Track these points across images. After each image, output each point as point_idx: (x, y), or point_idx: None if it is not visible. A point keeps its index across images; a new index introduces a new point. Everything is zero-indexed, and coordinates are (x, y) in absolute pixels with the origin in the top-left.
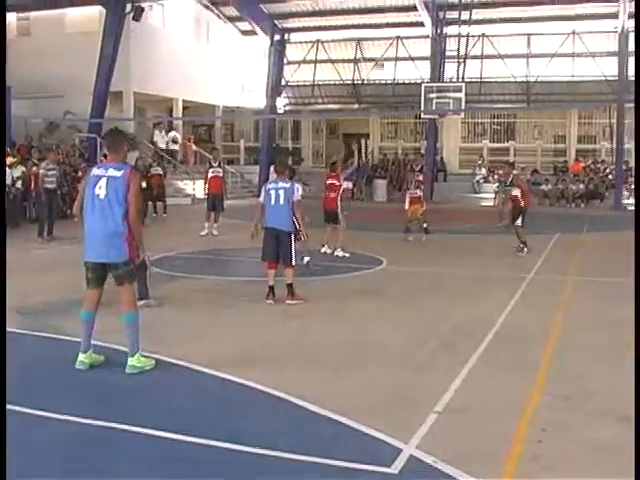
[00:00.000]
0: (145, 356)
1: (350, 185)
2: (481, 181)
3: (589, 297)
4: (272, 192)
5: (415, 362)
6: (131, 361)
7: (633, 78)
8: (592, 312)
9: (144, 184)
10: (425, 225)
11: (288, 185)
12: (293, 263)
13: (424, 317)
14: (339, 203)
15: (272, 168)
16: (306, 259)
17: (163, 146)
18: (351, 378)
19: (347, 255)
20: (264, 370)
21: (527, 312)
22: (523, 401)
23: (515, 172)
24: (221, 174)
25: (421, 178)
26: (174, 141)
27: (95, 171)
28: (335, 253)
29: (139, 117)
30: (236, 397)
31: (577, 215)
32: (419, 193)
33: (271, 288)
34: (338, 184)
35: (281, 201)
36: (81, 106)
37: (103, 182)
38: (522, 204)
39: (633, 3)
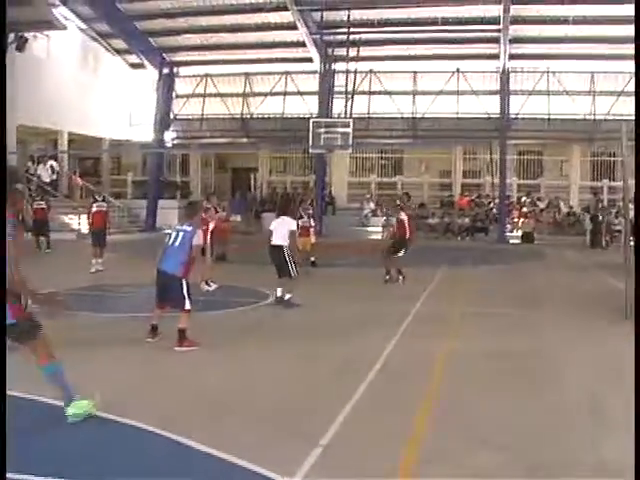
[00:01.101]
0: (81, 399)
1: (238, 217)
2: (369, 215)
3: (475, 328)
4: (173, 233)
5: (300, 397)
6: (69, 410)
7: (514, 116)
8: (477, 343)
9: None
10: (312, 258)
11: (190, 229)
12: (187, 307)
13: (308, 352)
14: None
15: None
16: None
17: (47, 180)
18: (235, 416)
19: (211, 289)
20: (143, 410)
21: (413, 344)
22: (408, 432)
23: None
24: (105, 208)
25: (311, 211)
26: (52, 170)
27: None
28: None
29: (22, 150)
30: (110, 437)
31: (463, 248)
32: (311, 223)
33: (153, 327)
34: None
35: (177, 243)
36: None
37: None
38: (408, 234)
39: (513, 45)
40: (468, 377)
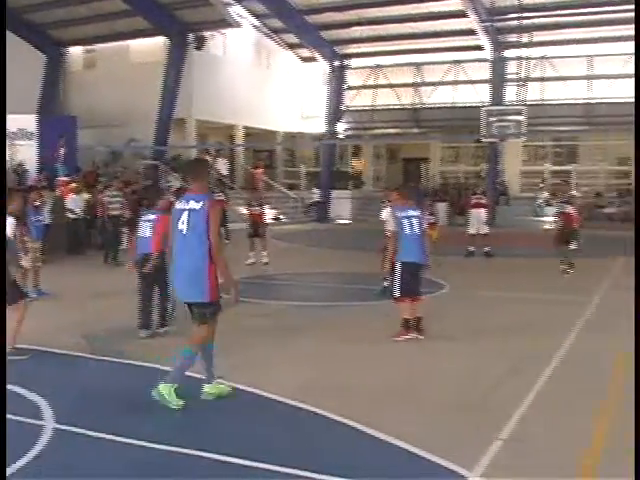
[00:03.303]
0: (221, 383)
1: None
2: (543, 204)
3: None
4: (405, 221)
5: (479, 389)
6: (205, 388)
7: None
8: None
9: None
10: (486, 249)
11: (419, 212)
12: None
13: (488, 344)
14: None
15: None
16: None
17: (225, 172)
18: (415, 406)
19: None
20: (334, 399)
21: (595, 337)
22: (589, 430)
23: (573, 192)
24: (258, 212)
25: (483, 201)
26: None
27: (178, 205)
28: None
29: (201, 144)
30: (306, 426)
31: None
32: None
33: (416, 320)
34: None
35: (416, 230)
36: (145, 134)
37: (185, 216)
38: (575, 224)
39: None
40: None
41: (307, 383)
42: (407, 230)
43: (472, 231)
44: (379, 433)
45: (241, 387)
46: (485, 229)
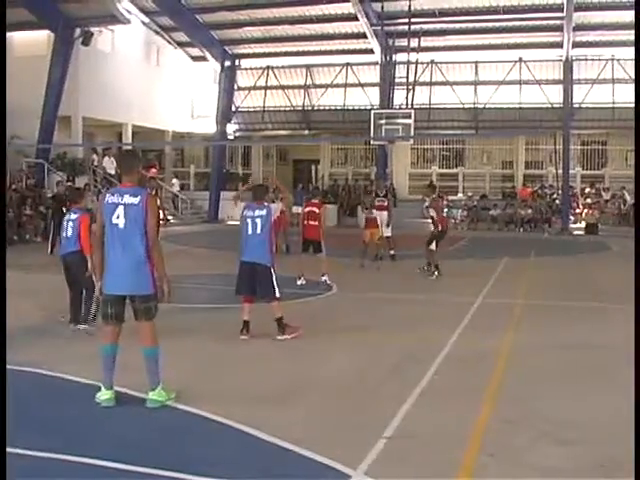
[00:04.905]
0: (165, 390)
1: (299, 209)
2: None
3: (538, 321)
4: (248, 221)
5: (364, 388)
6: (150, 395)
7: (577, 105)
8: (541, 336)
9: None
10: (392, 252)
11: (264, 212)
12: (277, 295)
13: (372, 343)
14: (322, 231)
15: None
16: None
17: (112, 172)
18: (299, 407)
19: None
20: (217, 401)
21: (476, 336)
22: (471, 426)
23: (434, 196)
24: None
25: (386, 204)
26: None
27: (110, 198)
28: (323, 279)
29: (88, 142)
30: (185, 426)
31: (525, 240)
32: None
33: (246, 322)
34: (318, 212)
35: (258, 230)
36: (28, 131)
37: (121, 210)
38: (439, 228)
39: (576, 33)
40: (531, 370)
41: (189, 385)
42: (249, 230)
43: (384, 233)
44: (263, 434)
45: (120, 389)
46: (387, 232)
